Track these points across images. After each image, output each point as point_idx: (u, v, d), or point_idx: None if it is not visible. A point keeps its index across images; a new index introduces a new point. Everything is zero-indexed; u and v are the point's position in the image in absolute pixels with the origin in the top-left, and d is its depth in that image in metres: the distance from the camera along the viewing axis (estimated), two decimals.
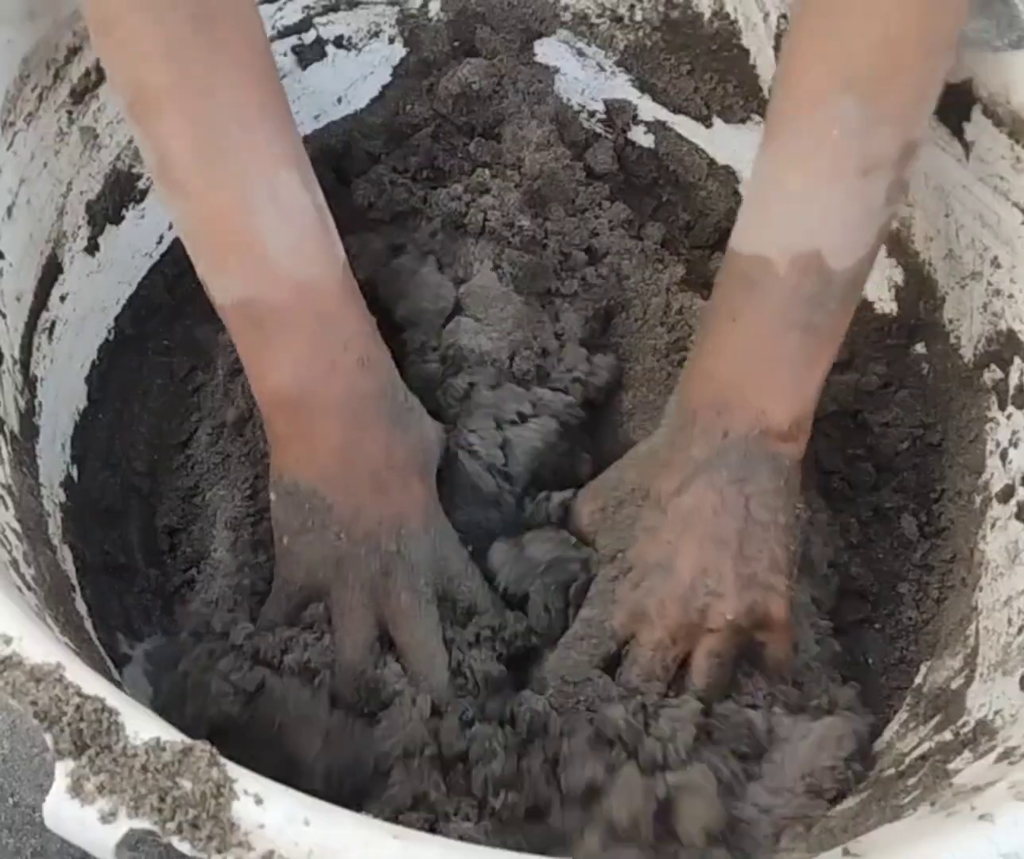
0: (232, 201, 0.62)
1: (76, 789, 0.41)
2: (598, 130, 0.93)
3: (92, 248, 0.78)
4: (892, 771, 0.63)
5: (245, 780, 0.42)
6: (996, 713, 0.60)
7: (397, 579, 0.67)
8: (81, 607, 0.65)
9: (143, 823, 0.40)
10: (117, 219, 0.80)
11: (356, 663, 0.66)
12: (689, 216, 0.92)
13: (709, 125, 0.89)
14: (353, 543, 0.66)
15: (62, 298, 0.74)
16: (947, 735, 0.62)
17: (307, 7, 0.87)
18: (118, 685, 0.55)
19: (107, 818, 0.40)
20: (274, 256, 0.63)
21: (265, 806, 0.42)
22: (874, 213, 0.65)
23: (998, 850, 0.45)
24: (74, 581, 0.66)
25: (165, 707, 0.64)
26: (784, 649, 0.69)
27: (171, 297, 0.84)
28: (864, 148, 0.63)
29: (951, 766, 0.58)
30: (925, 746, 0.63)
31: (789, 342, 0.66)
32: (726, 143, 0.89)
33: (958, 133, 0.73)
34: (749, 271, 0.67)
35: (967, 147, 0.72)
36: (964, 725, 0.61)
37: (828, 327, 0.66)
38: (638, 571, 0.69)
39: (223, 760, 0.43)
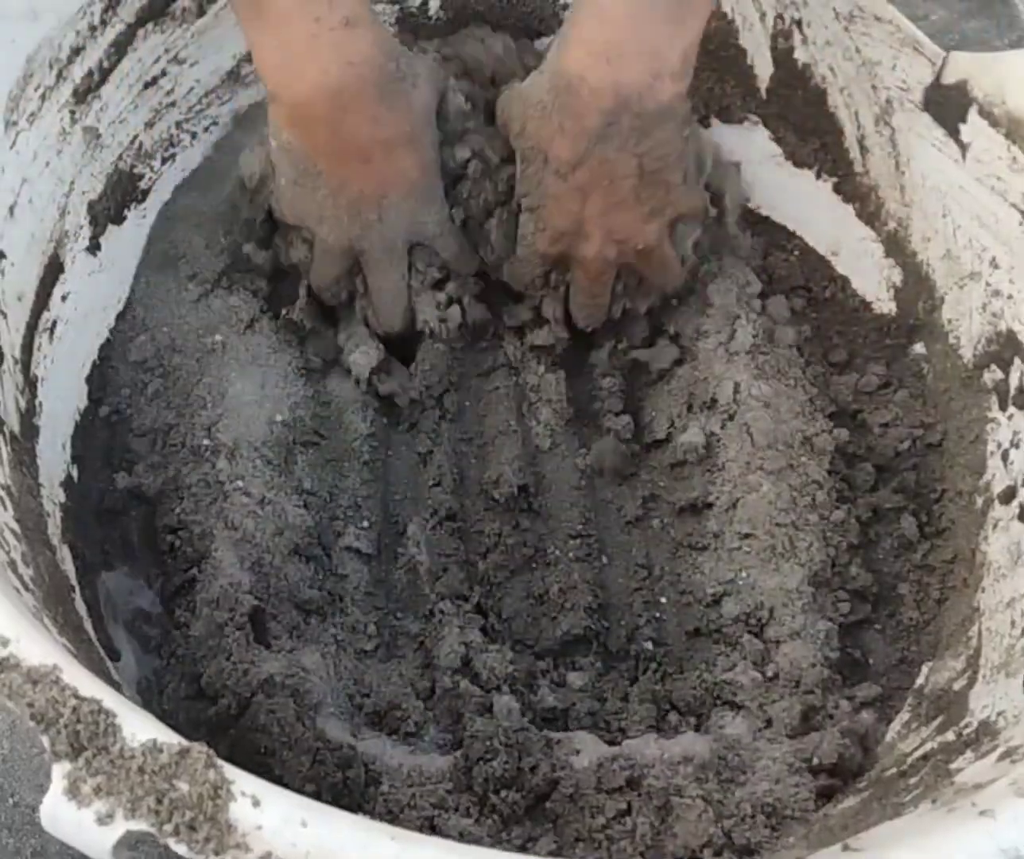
0: None
1: (73, 791, 0.41)
2: None
3: (94, 248, 0.78)
4: (894, 771, 0.62)
5: (242, 782, 0.42)
6: (999, 714, 0.60)
7: (373, 240, 0.78)
8: (80, 607, 0.65)
9: (140, 825, 0.40)
10: (119, 219, 0.80)
11: (323, 288, 0.82)
12: None
13: (707, 125, 0.89)
14: (337, 209, 0.77)
15: (63, 298, 0.74)
16: (949, 736, 0.62)
17: None
18: (117, 686, 0.56)
19: (104, 820, 0.40)
20: None
21: (262, 807, 0.42)
22: None
23: (998, 845, 0.45)
24: (73, 581, 0.66)
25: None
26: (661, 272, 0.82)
27: None
28: None
29: (953, 765, 0.58)
30: (927, 746, 0.62)
31: None
32: (723, 143, 0.89)
33: (955, 134, 0.73)
34: None
35: (964, 148, 0.72)
36: (967, 726, 0.61)
37: None
38: (553, 231, 0.79)
39: (220, 762, 0.43)
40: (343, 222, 0.78)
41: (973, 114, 0.71)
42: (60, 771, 0.41)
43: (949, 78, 0.71)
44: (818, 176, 0.87)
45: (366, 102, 0.73)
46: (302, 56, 0.71)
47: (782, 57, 0.82)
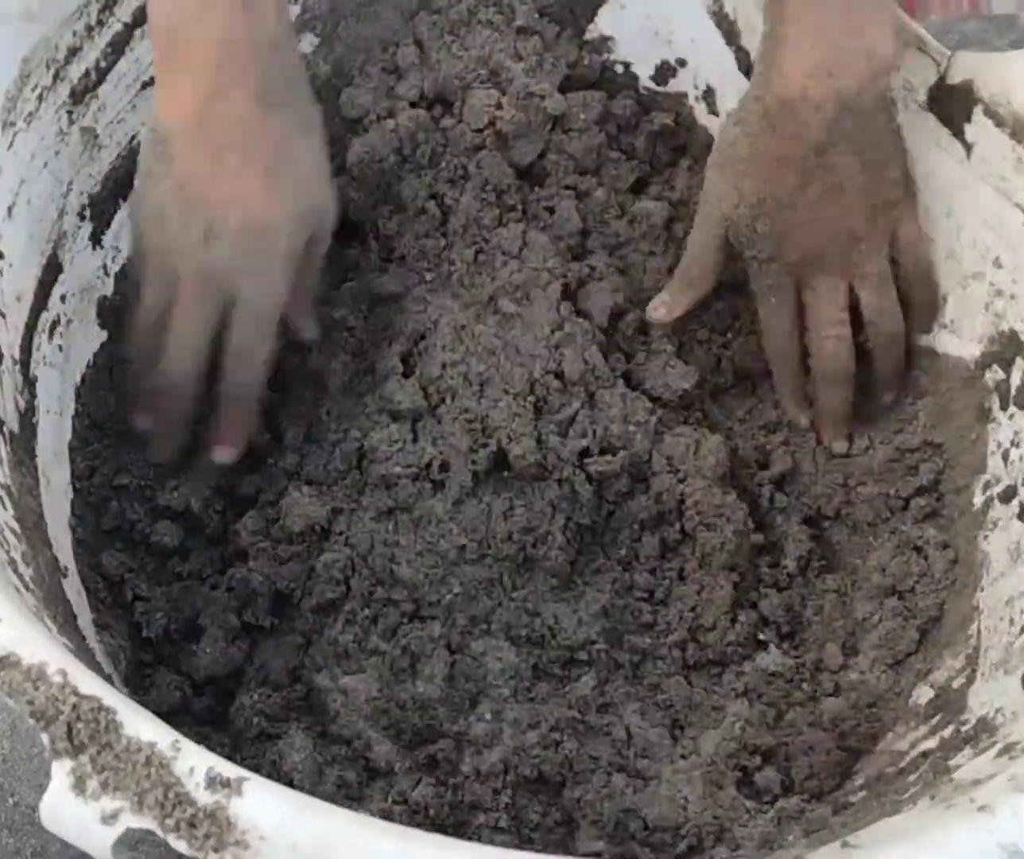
0: None
1: (79, 786, 0.41)
2: None
3: (92, 248, 0.77)
4: (892, 769, 0.62)
5: (241, 778, 0.42)
6: (997, 710, 0.60)
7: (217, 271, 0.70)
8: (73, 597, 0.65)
9: (143, 821, 0.40)
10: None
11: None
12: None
13: None
14: (179, 206, 0.69)
15: (62, 298, 0.74)
16: (948, 733, 0.62)
17: None
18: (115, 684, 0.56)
19: (107, 816, 0.40)
20: None
21: (262, 805, 0.42)
22: None
23: (997, 841, 0.45)
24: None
25: None
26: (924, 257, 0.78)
27: None
28: None
29: (952, 762, 0.58)
30: (926, 744, 0.62)
31: None
32: None
33: (959, 134, 0.73)
34: None
35: (968, 148, 0.72)
36: (965, 723, 0.61)
37: None
38: (798, 264, 0.76)
39: (221, 759, 0.43)
40: (181, 226, 0.71)
41: (978, 114, 0.71)
42: (61, 768, 0.41)
43: (954, 78, 0.71)
44: None
45: (248, 85, 0.69)
46: (191, 12, 0.68)
47: None
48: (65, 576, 0.65)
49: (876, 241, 0.76)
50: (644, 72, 0.90)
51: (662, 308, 0.79)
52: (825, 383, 0.78)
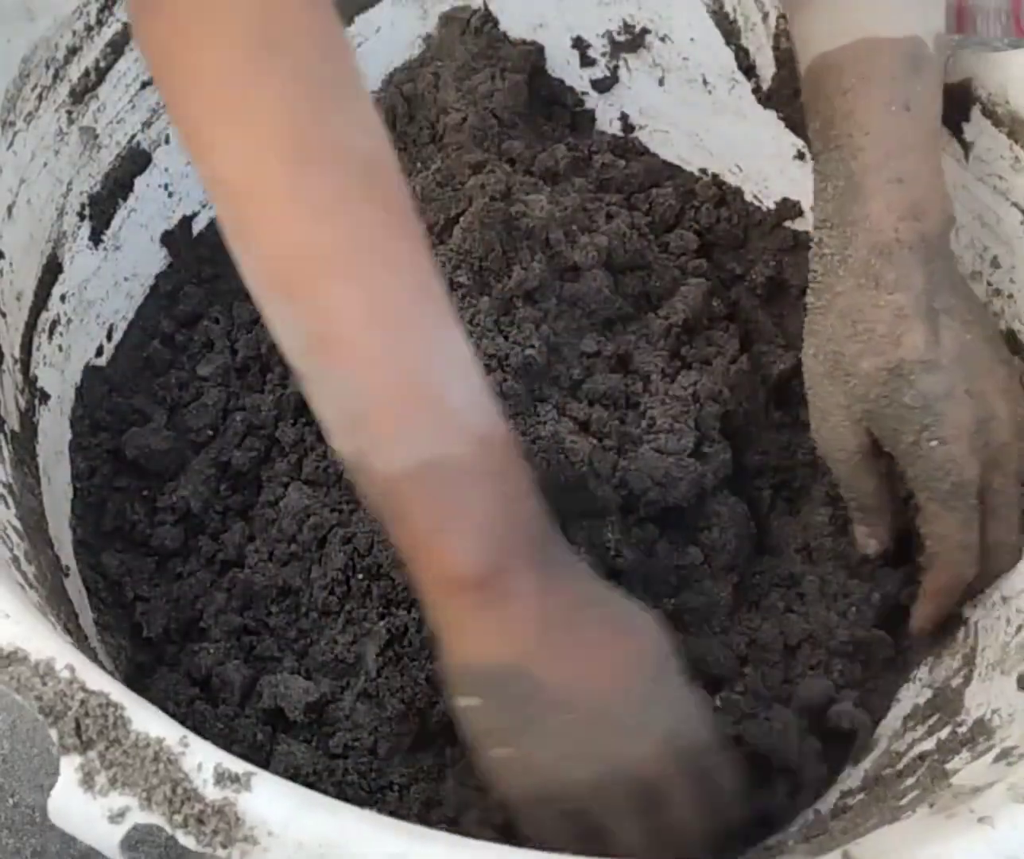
0: (415, 358, 0.56)
1: (87, 783, 0.41)
2: None
3: (92, 248, 0.78)
4: (890, 770, 0.62)
5: (250, 774, 0.42)
6: (994, 712, 0.60)
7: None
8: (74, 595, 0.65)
9: (152, 817, 0.40)
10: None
11: None
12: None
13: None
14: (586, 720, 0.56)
15: (62, 298, 0.74)
16: (945, 734, 0.62)
17: None
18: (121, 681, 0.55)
19: (115, 812, 0.40)
20: (460, 410, 0.56)
21: (270, 801, 0.42)
22: None
23: (997, 853, 0.45)
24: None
25: None
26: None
27: None
28: None
29: (949, 766, 0.58)
30: (923, 745, 0.62)
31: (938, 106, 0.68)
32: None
33: (957, 133, 0.73)
34: (910, 51, 0.67)
35: (966, 147, 0.72)
36: (961, 724, 0.61)
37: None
38: (972, 439, 0.65)
39: (229, 755, 0.43)
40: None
41: (976, 113, 0.71)
42: (69, 764, 0.41)
43: (952, 77, 0.71)
44: None
45: (569, 576, 0.59)
46: (512, 533, 0.56)
47: (785, 57, 0.82)
48: (67, 575, 0.65)
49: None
50: None
51: (872, 542, 0.71)
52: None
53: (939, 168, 0.68)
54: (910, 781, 0.59)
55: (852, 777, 0.65)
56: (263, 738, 0.64)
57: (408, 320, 0.55)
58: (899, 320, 0.65)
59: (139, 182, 0.81)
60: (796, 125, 0.84)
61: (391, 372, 0.55)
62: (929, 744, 0.62)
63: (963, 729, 0.61)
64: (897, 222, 0.66)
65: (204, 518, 0.73)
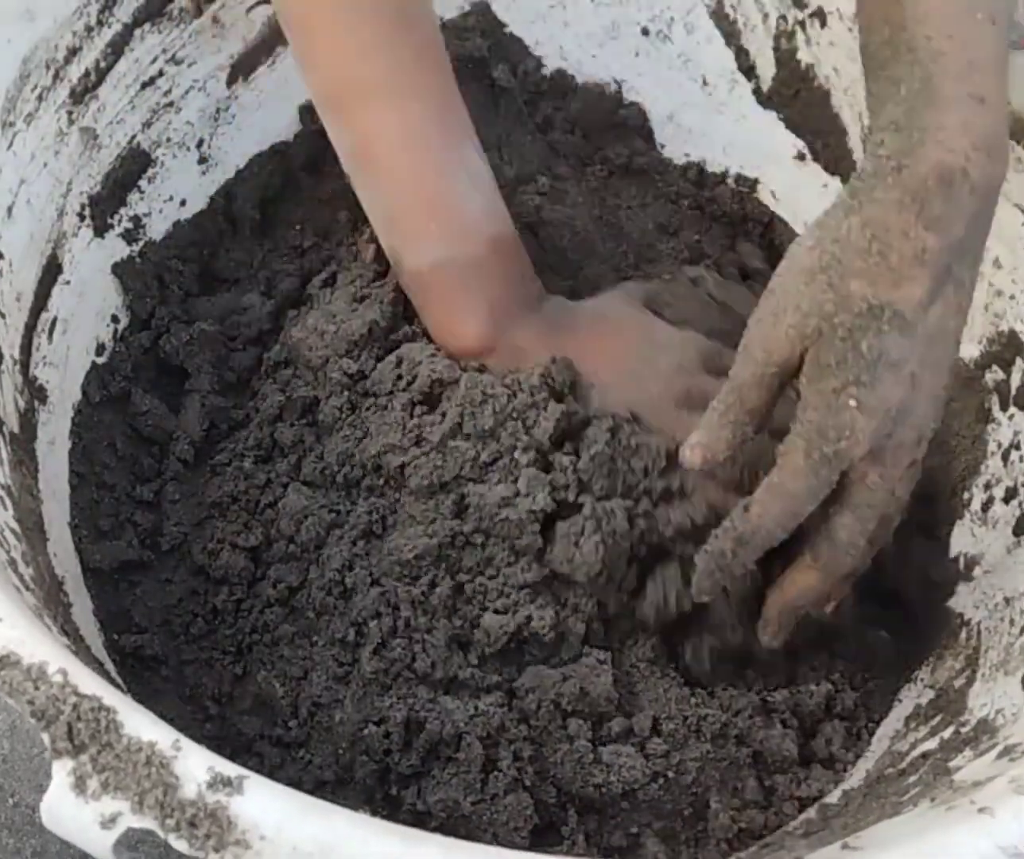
0: (435, 175, 0.71)
1: (79, 787, 0.40)
2: None
3: (92, 248, 0.78)
4: (892, 770, 0.62)
5: (242, 778, 0.42)
6: (998, 712, 0.60)
7: None
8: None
9: (144, 821, 0.40)
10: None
11: None
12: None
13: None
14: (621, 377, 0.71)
15: (62, 298, 0.74)
16: (948, 734, 0.62)
17: None
18: (118, 684, 0.56)
19: (107, 816, 0.40)
20: (473, 217, 0.71)
21: (263, 804, 0.42)
22: None
23: (997, 843, 0.45)
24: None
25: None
26: None
27: None
28: None
29: (952, 764, 0.58)
30: (926, 745, 0.62)
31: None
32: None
33: None
34: None
35: None
36: (965, 724, 0.61)
37: None
38: (883, 422, 0.58)
39: (221, 758, 0.43)
40: None
41: None
42: (62, 768, 0.41)
43: None
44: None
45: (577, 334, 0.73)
46: (516, 311, 0.72)
47: (785, 58, 0.82)
48: (65, 576, 0.65)
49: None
50: None
51: (698, 450, 0.62)
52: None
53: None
54: (912, 779, 0.59)
55: (853, 777, 0.65)
56: (258, 741, 0.65)
57: (433, 143, 0.70)
58: (913, 262, 0.56)
59: (139, 182, 0.81)
60: (796, 125, 0.84)
61: (416, 186, 0.71)
62: (932, 744, 0.62)
63: (966, 729, 0.61)
64: (971, 150, 0.56)
65: (204, 518, 0.73)
